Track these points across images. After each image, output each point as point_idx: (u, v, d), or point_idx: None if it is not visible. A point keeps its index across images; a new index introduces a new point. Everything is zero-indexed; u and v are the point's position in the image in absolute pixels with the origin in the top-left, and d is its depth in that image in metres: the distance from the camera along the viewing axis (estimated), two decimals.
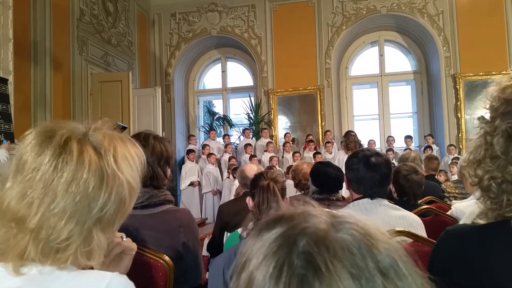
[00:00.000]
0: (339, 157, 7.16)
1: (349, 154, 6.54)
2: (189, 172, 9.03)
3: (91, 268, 0.94)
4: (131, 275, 0.87)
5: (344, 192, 4.58)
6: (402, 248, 0.50)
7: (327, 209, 0.54)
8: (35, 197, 0.79)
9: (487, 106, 0.89)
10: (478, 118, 0.91)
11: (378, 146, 9.75)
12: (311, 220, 0.51)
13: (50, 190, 0.79)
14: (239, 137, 10.55)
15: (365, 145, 8.93)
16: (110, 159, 0.85)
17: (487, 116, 0.89)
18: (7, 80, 5.61)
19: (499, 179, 0.85)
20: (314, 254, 0.46)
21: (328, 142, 9.14)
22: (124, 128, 5.32)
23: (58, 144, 0.82)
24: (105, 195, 0.83)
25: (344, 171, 2.84)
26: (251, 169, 3.12)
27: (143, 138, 1.75)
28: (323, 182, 2.73)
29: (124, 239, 1.07)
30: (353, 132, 7.11)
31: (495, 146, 0.85)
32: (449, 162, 7.84)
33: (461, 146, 9.13)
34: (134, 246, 1.08)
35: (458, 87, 9.29)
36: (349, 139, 6.94)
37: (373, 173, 1.90)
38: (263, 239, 0.50)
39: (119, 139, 0.90)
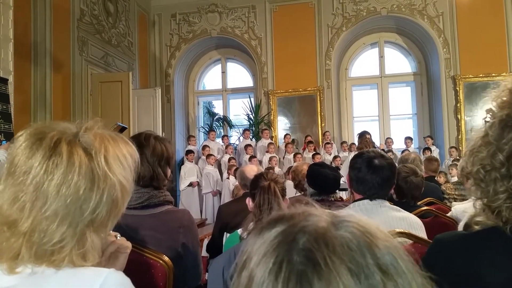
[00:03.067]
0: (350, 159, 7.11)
1: None
2: (188, 173, 9.03)
3: None
4: (130, 275, 0.86)
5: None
6: (402, 247, 0.51)
7: (328, 210, 0.54)
8: (27, 201, 0.79)
9: (497, 99, 0.90)
10: (486, 110, 0.91)
11: (377, 147, 9.75)
12: (311, 219, 0.51)
13: (41, 193, 0.79)
14: (239, 138, 10.55)
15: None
16: (101, 160, 0.85)
17: (495, 108, 0.90)
18: (7, 80, 5.61)
19: (488, 167, 0.85)
20: (313, 250, 0.46)
21: (328, 143, 9.15)
22: (124, 129, 5.31)
23: (48, 147, 0.82)
24: (97, 196, 0.83)
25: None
26: (251, 170, 3.11)
27: (144, 139, 1.76)
28: (322, 184, 2.73)
29: (118, 237, 1.06)
30: (368, 134, 7.10)
31: (489, 133, 0.86)
32: (449, 164, 7.84)
33: (461, 148, 9.13)
34: (128, 244, 1.07)
35: (458, 88, 9.30)
36: (362, 142, 6.90)
37: (374, 175, 1.89)
38: (264, 237, 0.51)
39: (110, 139, 0.90)
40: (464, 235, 0.93)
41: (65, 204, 0.80)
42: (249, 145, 9.35)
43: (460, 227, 2.04)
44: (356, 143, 8.37)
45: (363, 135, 7.05)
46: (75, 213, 0.81)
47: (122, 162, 0.89)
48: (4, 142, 4.85)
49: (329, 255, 0.46)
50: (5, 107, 5.47)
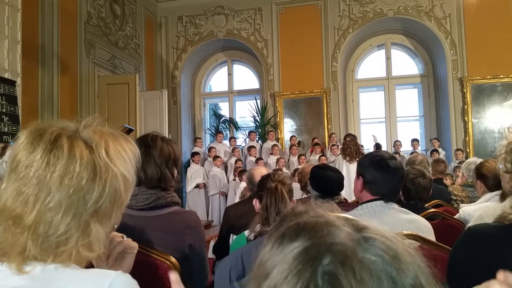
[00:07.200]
0: (338, 161, 7.11)
1: (347, 159, 6.52)
2: (195, 174, 9.04)
3: (92, 266, 0.95)
4: (137, 275, 0.87)
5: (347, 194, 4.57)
6: (428, 268, 0.49)
7: (347, 216, 0.52)
8: (30, 194, 0.80)
9: None
10: None
11: (384, 149, 9.69)
12: (336, 234, 0.48)
13: (44, 185, 0.80)
14: (245, 140, 10.55)
15: (370, 149, 8.88)
16: (101, 152, 0.86)
17: None
18: (15, 82, 5.66)
19: None
20: (339, 277, 0.44)
21: (334, 144, 9.12)
22: (130, 130, 5.33)
23: (48, 141, 0.83)
24: (99, 187, 0.83)
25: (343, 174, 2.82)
26: (260, 173, 3.10)
27: (151, 140, 1.76)
28: (325, 186, 2.72)
29: (125, 238, 1.07)
30: (349, 137, 6.97)
31: None
32: (454, 166, 7.77)
33: (468, 150, 9.06)
34: (135, 244, 1.08)
35: (465, 90, 9.24)
36: (344, 145, 6.84)
37: (391, 176, 1.88)
38: (285, 252, 0.48)
39: (110, 135, 0.91)
40: (496, 226, 0.94)
41: (68, 194, 0.81)
42: (253, 146, 9.34)
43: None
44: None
45: (344, 139, 7.02)
46: (79, 204, 0.81)
47: (122, 155, 0.90)
48: (11, 143, 4.88)
49: (356, 285, 0.44)
50: (13, 109, 5.51)
